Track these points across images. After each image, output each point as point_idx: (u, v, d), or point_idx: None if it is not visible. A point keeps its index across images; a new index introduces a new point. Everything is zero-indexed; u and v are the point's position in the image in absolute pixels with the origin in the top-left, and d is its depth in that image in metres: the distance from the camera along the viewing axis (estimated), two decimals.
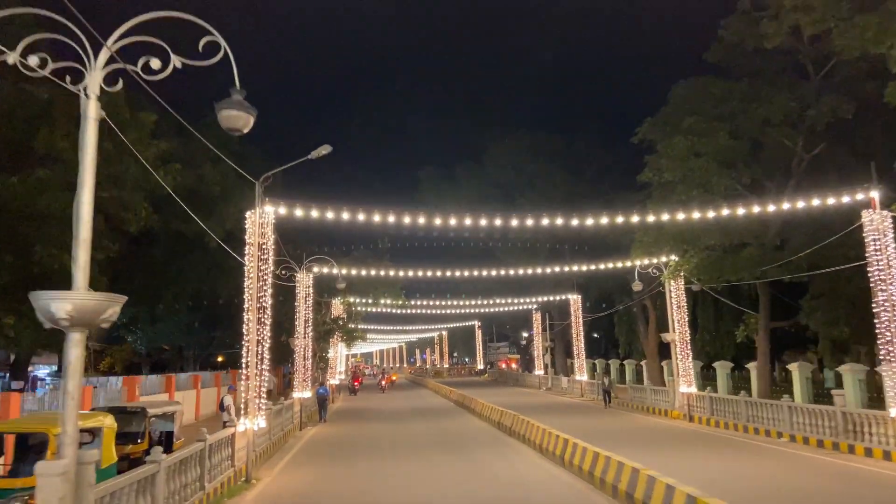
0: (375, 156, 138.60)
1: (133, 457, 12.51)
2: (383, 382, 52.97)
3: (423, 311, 53.35)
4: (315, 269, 26.91)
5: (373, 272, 28.00)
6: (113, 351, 64.24)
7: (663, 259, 26.35)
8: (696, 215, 19.23)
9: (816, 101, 22.75)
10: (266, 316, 15.88)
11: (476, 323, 76.23)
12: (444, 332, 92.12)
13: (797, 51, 23.94)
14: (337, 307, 39.89)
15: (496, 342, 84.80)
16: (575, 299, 40.62)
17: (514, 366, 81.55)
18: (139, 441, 12.98)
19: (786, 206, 18.62)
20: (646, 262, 26.81)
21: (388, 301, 40.59)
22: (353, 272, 28.30)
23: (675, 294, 26.50)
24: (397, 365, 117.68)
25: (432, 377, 74.70)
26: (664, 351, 33.01)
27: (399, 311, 51.21)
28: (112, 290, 8.96)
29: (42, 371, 51.81)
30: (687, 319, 26.52)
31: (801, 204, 18.29)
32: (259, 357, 15.48)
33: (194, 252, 37.63)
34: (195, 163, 29.43)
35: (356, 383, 48.63)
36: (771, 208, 19.09)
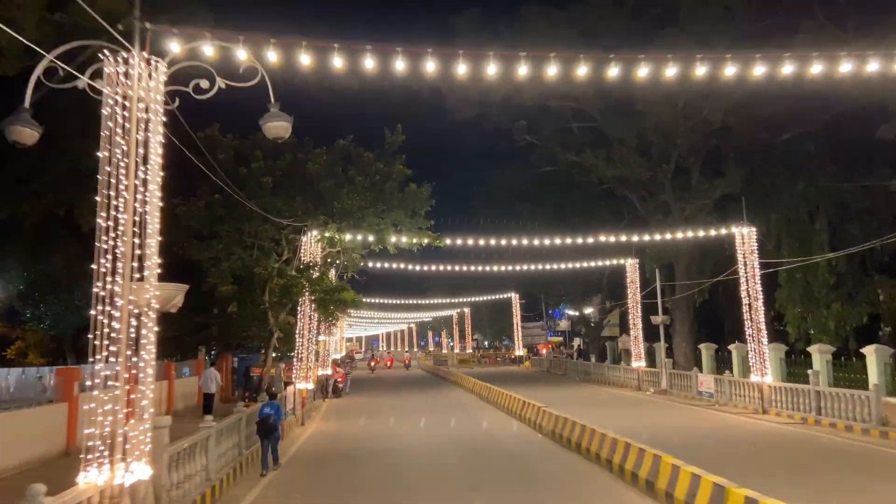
0: None
1: None
2: (372, 364, 55.42)
3: (447, 269, 35.30)
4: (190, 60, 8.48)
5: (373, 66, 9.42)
6: (24, 333, 47.02)
7: None
8: None
9: None
10: None
11: (513, 295, 57.95)
12: (467, 310, 74.03)
13: None
14: (313, 250, 21.60)
15: (551, 315, 65.95)
16: (745, 233, 22.16)
17: (544, 351, 63.80)
18: None
19: None
20: None
21: (404, 240, 22.14)
22: (310, 57, 9.62)
23: None
24: (413, 350, 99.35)
25: (456, 366, 56.69)
26: None
27: (417, 268, 33.02)
28: None
29: None
30: None
31: None
32: None
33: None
34: None
35: (339, 380, 30.96)
36: None
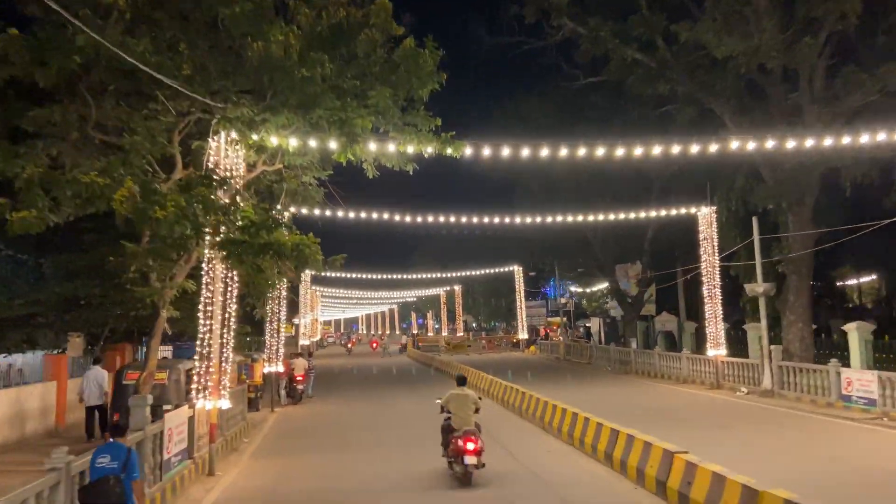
0: None
1: None
2: (349, 345, 61.12)
3: (444, 221, 26.07)
4: None
5: None
6: None
7: None
8: None
9: None
10: None
11: (516, 268, 48.82)
12: (458, 287, 64.79)
13: None
14: (228, 163, 12.05)
15: (549, 294, 56.79)
16: None
17: (549, 333, 54.94)
18: None
19: None
20: None
21: (392, 148, 12.62)
22: None
23: None
24: (396, 332, 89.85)
25: (450, 352, 47.66)
26: None
27: (406, 220, 23.68)
28: None
29: None
30: None
31: None
32: None
33: None
34: None
35: (299, 379, 21.94)
36: None
